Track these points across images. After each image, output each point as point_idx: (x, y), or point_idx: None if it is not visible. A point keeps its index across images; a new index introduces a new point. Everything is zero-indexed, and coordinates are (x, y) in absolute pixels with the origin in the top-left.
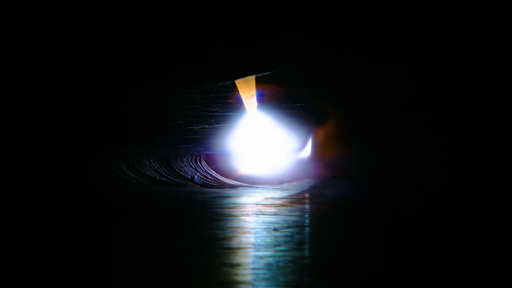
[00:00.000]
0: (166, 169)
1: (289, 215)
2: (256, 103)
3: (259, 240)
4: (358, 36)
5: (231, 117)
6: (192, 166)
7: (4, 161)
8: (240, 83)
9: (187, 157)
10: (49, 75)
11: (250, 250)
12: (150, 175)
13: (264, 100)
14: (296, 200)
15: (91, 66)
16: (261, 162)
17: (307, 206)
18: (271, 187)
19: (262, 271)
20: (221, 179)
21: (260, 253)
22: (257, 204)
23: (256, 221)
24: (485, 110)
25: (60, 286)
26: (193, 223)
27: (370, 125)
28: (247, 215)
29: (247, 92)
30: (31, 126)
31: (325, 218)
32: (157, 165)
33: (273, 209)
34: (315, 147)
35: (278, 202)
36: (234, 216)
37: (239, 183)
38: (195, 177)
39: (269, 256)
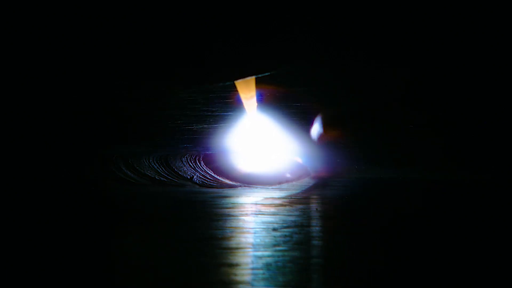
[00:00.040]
0: (165, 169)
1: (288, 215)
2: (256, 103)
3: (258, 240)
4: (358, 36)
5: (231, 117)
6: (191, 166)
7: (4, 161)
8: (239, 84)
9: (186, 157)
10: (49, 75)
11: (249, 250)
12: (149, 175)
13: (264, 100)
14: (295, 200)
15: (91, 66)
16: (261, 162)
17: (306, 206)
18: (270, 187)
19: (261, 271)
20: (220, 179)
21: (259, 253)
22: (256, 204)
23: (255, 221)
24: (485, 110)
25: (60, 286)
26: (193, 223)
27: (370, 125)
28: (246, 215)
29: (247, 92)
30: (31, 126)
31: (325, 218)
32: (156, 165)
33: (272, 209)
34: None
35: (277, 202)
36: (233, 216)
37: (238, 183)
38: (194, 177)
39: (268, 256)
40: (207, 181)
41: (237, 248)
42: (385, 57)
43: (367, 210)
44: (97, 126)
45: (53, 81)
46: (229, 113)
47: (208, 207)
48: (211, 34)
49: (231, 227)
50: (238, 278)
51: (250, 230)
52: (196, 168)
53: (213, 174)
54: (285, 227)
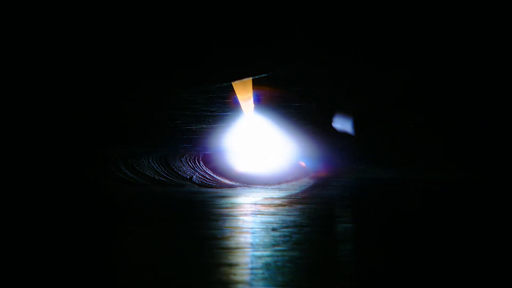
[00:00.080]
0: (165, 169)
1: (287, 215)
2: (255, 104)
3: (257, 240)
4: (358, 36)
5: (230, 117)
6: (190, 166)
7: (4, 161)
8: (238, 84)
9: (185, 157)
10: (49, 75)
11: (249, 250)
12: (149, 175)
13: (263, 100)
14: (295, 200)
15: (91, 66)
16: (260, 162)
17: (306, 206)
18: (269, 187)
19: (260, 271)
20: (219, 179)
21: (259, 253)
22: (255, 204)
23: (255, 221)
24: (485, 110)
25: (60, 286)
26: (193, 223)
27: (370, 125)
28: (246, 215)
29: (246, 92)
30: (31, 126)
31: (324, 218)
32: (155, 165)
33: (271, 209)
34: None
35: (276, 202)
36: (232, 216)
37: (238, 183)
38: (194, 177)
39: (268, 256)
40: (206, 181)
41: (236, 248)
42: (385, 57)
43: (367, 210)
44: (97, 126)
45: (53, 81)
46: (229, 113)
47: (207, 207)
48: (211, 34)
49: (230, 227)
50: (238, 278)
51: (249, 230)
52: (196, 168)
53: (212, 174)
54: (284, 227)
